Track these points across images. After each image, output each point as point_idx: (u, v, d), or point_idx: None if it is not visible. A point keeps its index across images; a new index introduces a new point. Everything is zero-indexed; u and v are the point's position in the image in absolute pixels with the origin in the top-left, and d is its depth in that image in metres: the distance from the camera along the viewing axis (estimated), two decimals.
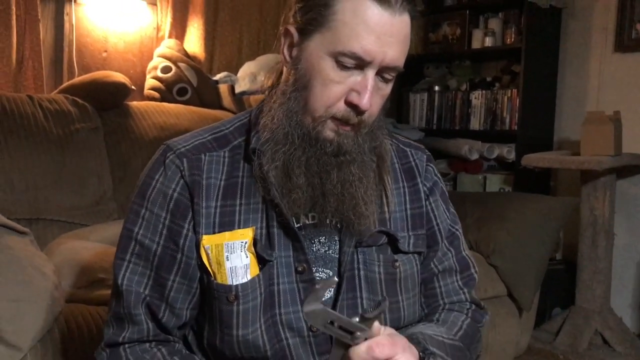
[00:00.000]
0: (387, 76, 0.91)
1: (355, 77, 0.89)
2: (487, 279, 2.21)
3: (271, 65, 0.99)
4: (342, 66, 0.88)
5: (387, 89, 0.94)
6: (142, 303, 0.94)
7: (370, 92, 0.89)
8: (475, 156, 3.32)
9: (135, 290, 0.94)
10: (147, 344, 0.95)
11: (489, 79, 3.45)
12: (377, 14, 0.86)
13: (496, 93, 3.27)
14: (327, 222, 0.96)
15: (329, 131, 0.91)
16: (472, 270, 1.11)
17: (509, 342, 2.31)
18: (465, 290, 1.09)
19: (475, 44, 3.33)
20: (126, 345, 0.95)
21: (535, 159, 2.83)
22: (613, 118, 2.71)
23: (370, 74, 0.88)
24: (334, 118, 0.90)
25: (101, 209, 2.15)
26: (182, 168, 0.94)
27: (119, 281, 0.94)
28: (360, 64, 0.88)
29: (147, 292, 0.94)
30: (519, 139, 3.14)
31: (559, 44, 3.24)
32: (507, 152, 3.22)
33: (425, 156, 1.10)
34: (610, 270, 2.81)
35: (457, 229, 1.11)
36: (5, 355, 1.21)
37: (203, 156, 0.95)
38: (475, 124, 3.37)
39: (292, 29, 0.92)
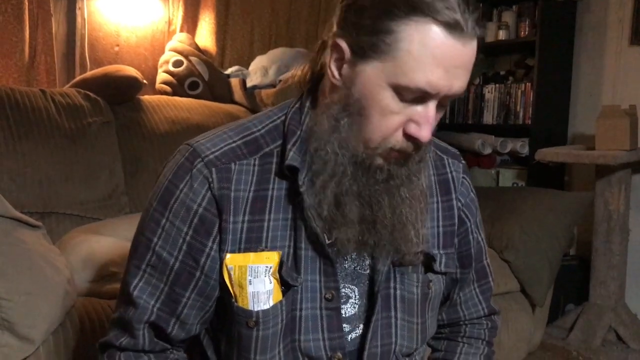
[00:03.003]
0: (445, 102, 0.84)
1: (414, 108, 0.81)
2: (500, 275, 2.19)
3: (283, 58, 0.95)
4: (403, 98, 0.80)
5: (442, 113, 0.87)
6: (146, 321, 0.90)
7: (431, 124, 0.82)
8: (488, 151, 3.29)
9: (144, 303, 0.89)
10: (142, 353, 0.93)
11: (502, 73, 3.41)
12: (448, 45, 0.77)
13: (510, 87, 3.23)
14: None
15: (380, 158, 0.84)
16: (490, 279, 1.10)
17: (522, 338, 2.30)
18: (484, 303, 1.09)
19: (489, 37, 3.29)
20: (122, 351, 0.93)
21: (549, 154, 2.80)
22: (629, 112, 2.67)
23: (432, 105, 0.81)
24: (391, 149, 0.83)
25: (113, 202, 2.16)
26: (210, 180, 0.86)
27: (131, 289, 0.89)
28: (423, 97, 0.80)
29: (158, 305, 0.89)
30: (532, 133, 3.10)
31: (573, 37, 3.19)
32: (521, 146, 3.19)
33: (461, 166, 1.05)
34: (625, 266, 2.78)
35: (481, 239, 1.08)
36: (17, 348, 1.22)
37: (233, 165, 0.87)
38: (488, 118, 3.34)
39: (344, 45, 0.82)
